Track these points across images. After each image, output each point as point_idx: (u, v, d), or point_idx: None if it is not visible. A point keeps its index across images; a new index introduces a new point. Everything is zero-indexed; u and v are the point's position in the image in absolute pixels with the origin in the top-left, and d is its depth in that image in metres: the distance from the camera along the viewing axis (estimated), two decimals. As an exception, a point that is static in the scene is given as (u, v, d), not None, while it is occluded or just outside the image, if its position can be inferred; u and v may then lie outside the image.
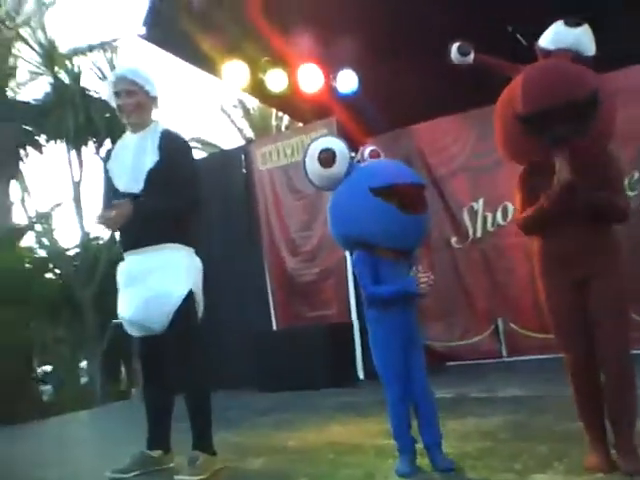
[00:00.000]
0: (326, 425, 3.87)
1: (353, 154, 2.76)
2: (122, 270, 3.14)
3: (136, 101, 3.03)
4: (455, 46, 2.55)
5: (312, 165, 2.64)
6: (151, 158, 2.98)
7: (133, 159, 3.01)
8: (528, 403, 3.80)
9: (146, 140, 3.03)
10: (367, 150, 2.83)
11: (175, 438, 3.16)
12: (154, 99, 3.12)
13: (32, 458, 4.08)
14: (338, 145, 2.64)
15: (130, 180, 2.99)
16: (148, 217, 2.92)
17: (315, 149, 2.64)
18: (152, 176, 2.96)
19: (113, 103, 3.12)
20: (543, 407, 3.55)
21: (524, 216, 2.37)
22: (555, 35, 2.36)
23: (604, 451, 2.28)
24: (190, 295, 3.01)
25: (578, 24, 2.34)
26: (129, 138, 3.13)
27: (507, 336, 5.82)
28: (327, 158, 2.58)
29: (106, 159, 3.18)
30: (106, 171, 3.12)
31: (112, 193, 3.04)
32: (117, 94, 3.04)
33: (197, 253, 3.16)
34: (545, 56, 2.36)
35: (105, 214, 2.95)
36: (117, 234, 3.37)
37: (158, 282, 2.94)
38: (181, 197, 2.98)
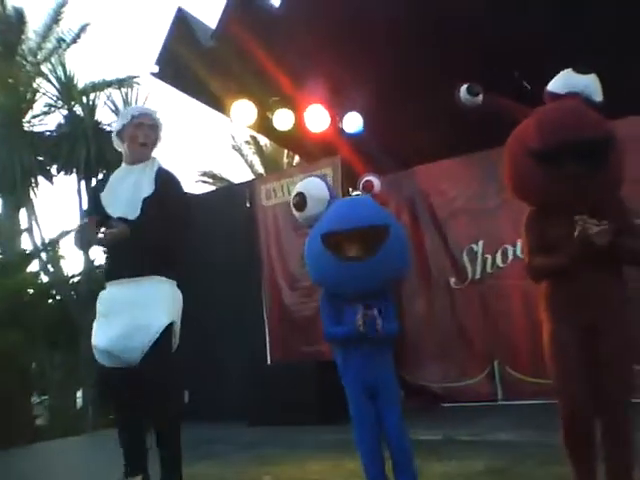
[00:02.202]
0: (305, 461, 3.80)
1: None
2: (104, 299, 3.17)
3: (156, 136, 3.26)
4: (464, 86, 2.53)
5: (291, 207, 2.69)
6: (148, 188, 3.11)
7: (132, 189, 3.11)
8: (514, 448, 3.69)
9: (145, 173, 3.17)
10: (362, 181, 2.79)
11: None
12: (160, 140, 3.34)
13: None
14: (311, 189, 2.62)
15: (127, 208, 3.07)
16: (141, 243, 2.97)
17: (293, 192, 2.68)
18: (147, 205, 3.07)
19: (118, 130, 3.23)
20: (528, 453, 3.45)
21: (537, 265, 2.29)
22: (565, 80, 2.35)
23: None
24: (169, 327, 3.03)
25: (587, 72, 2.34)
26: (126, 170, 3.23)
27: (503, 379, 5.72)
28: (298, 202, 2.62)
29: (99, 189, 3.25)
30: (97, 200, 3.18)
31: (101, 220, 3.09)
32: (139, 125, 3.18)
33: (181, 286, 3.20)
34: (555, 100, 2.34)
35: (106, 232, 2.99)
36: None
37: (141, 313, 2.97)
38: (172, 230, 3.07)
